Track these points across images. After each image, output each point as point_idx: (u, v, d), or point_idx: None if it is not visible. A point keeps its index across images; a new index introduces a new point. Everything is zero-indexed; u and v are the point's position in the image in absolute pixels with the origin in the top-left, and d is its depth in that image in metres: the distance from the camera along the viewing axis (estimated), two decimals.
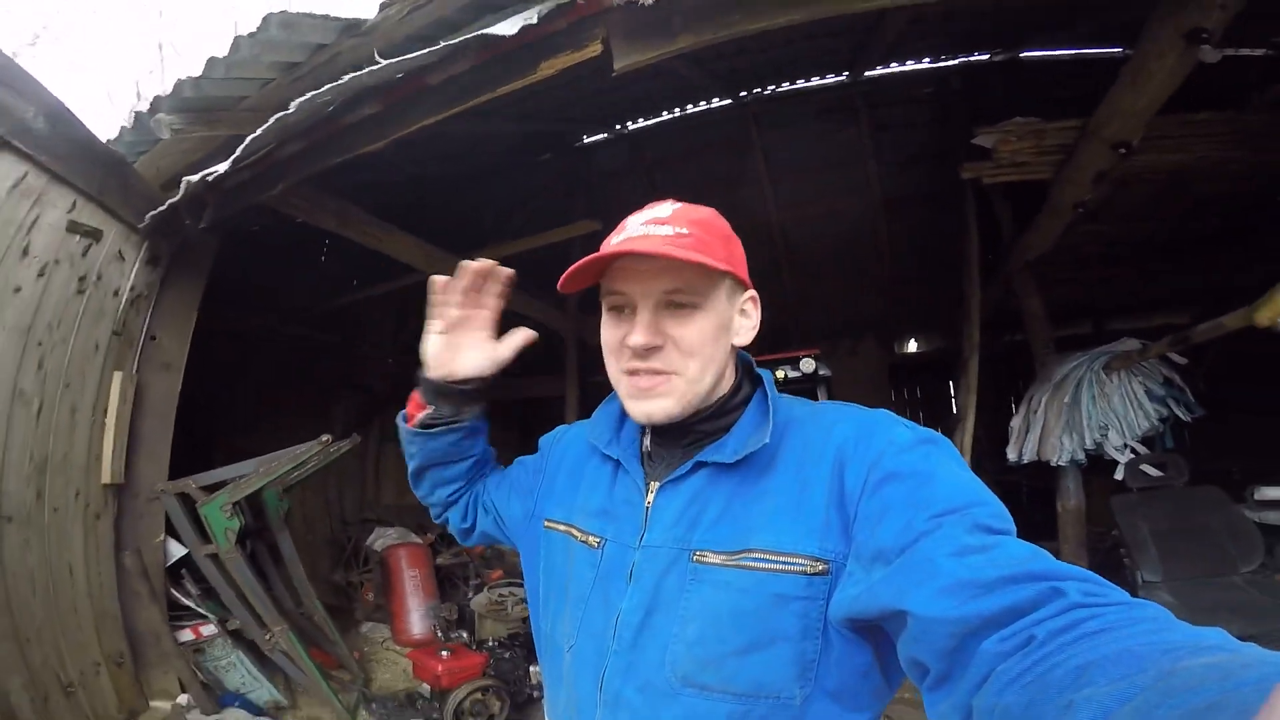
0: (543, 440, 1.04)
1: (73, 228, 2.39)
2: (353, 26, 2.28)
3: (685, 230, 0.73)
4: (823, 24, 3.38)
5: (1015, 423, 3.96)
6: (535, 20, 1.89)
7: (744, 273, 0.79)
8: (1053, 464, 3.70)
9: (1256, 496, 3.21)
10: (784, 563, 0.67)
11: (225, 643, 3.05)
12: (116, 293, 2.69)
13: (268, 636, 3.06)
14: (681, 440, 0.81)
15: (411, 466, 1.03)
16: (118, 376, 2.68)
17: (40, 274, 2.29)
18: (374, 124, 2.62)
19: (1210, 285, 4.68)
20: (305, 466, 3.35)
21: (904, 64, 4.41)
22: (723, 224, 0.80)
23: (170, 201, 2.60)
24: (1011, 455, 3.92)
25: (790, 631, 0.66)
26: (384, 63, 2.12)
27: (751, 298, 0.82)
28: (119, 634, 2.64)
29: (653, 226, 0.74)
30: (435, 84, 2.37)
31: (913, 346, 7.16)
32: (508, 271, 0.93)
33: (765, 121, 5.12)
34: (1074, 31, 3.50)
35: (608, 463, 0.87)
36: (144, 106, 2.54)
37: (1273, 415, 4.20)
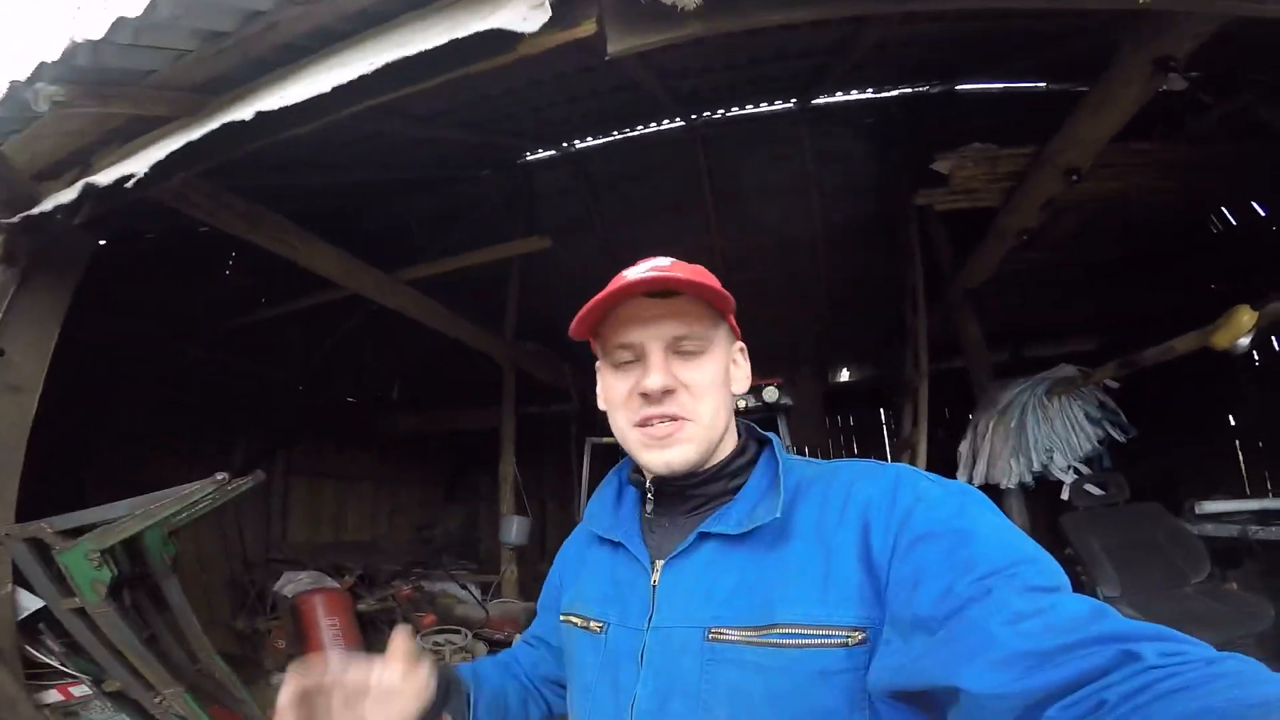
0: (554, 568, 1.00)
1: None
2: None
3: (689, 276, 0.74)
4: (796, 41, 3.44)
5: (963, 448, 4.07)
6: (550, 11, 1.63)
7: (733, 321, 0.81)
8: (1002, 487, 3.79)
9: (1197, 511, 3.41)
10: (821, 636, 0.62)
11: (104, 705, 2.59)
12: None
13: (157, 700, 2.60)
14: (682, 507, 0.79)
15: None
16: None
17: None
18: (305, 105, 2.25)
19: (1116, 312, 5.08)
20: (196, 508, 2.83)
21: (849, 93, 4.55)
22: (715, 277, 0.80)
23: (57, 202, 2.10)
24: (961, 480, 3.99)
25: (836, 707, 0.61)
26: (376, 64, 1.76)
27: (741, 348, 0.84)
28: None
29: (656, 273, 0.74)
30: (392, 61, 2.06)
31: (845, 376, 7.36)
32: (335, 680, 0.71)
33: (714, 145, 5.11)
34: (1021, 64, 3.71)
35: (606, 546, 0.85)
36: (23, 73, 2.04)
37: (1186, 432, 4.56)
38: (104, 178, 2.10)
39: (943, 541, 0.59)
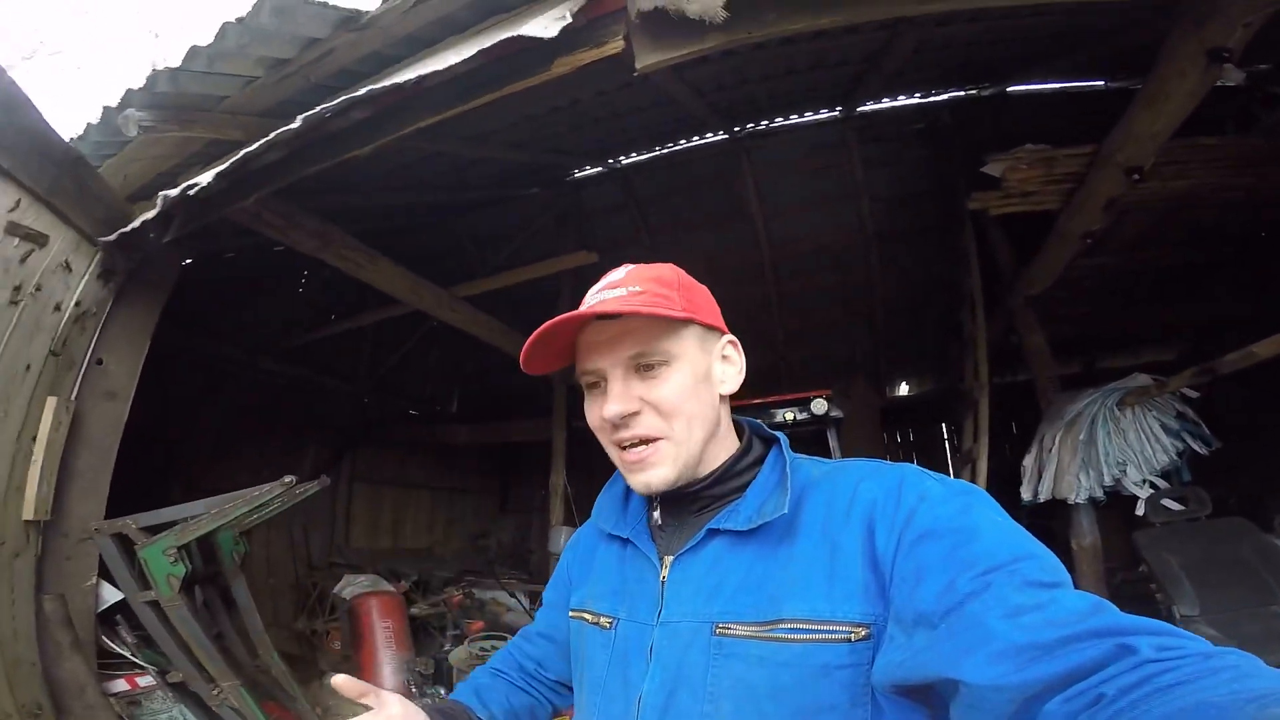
0: (561, 563, 1.00)
1: (12, 229, 2.10)
2: (351, 19, 2.11)
3: (639, 288, 0.74)
4: (830, 50, 3.43)
5: (1027, 462, 3.84)
6: (570, 19, 1.72)
7: (713, 318, 0.78)
8: (1070, 502, 3.56)
9: None
10: (825, 631, 0.63)
11: (165, 696, 2.71)
12: (58, 307, 2.37)
13: (215, 692, 2.72)
14: (691, 508, 0.78)
15: None
16: (51, 402, 2.34)
17: None
18: (364, 126, 2.43)
19: (1194, 319, 4.71)
20: (266, 509, 3.01)
21: (895, 99, 4.46)
22: (680, 275, 0.80)
23: (144, 218, 2.34)
24: (1026, 495, 3.77)
25: (838, 702, 0.62)
26: (411, 76, 1.89)
27: (730, 342, 0.80)
28: (36, 684, 2.29)
29: (607, 292, 0.75)
30: (433, 83, 2.20)
31: (904, 390, 7.10)
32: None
33: (757, 157, 5.11)
34: (1069, 62, 3.55)
35: (615, 542, 0.85)
36: (114, 100, 2.30)
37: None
38: (175, 191, 2.28)
39: (945, 539, 0.59)
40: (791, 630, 0.64)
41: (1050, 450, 3.67)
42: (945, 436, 6.84)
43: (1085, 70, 3.76)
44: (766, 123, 4.80)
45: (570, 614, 0.87)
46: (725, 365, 0.79)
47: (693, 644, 0.69)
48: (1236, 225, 3.47)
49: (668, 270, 0.80)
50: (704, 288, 0.82)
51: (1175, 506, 3.22)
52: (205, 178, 2.22)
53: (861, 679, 0.61)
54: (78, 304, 2.44)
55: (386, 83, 1.86)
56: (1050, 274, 3.65)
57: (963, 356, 4.42)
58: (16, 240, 2.11)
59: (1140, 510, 3.29)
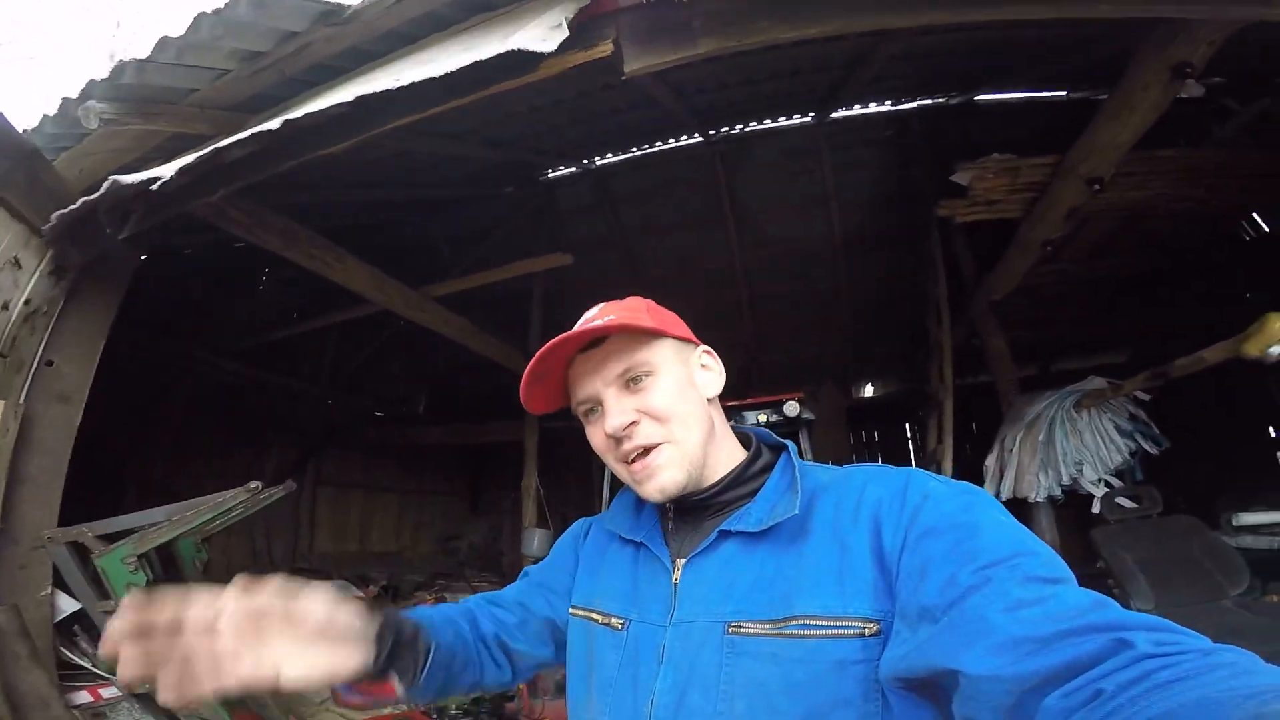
0: (568, 535, 1.01)
1: None
2: (332, 13, 2.04)
3: (612, 316, 0.79)
4: (813, 55, 3.48)
5: (989, 462, 3.98)
6: (568, 30, 1.70)
7: (683, 332, 0.84)
8: (1030, 500, 3.70)
9: (1235, 523, 3.30)
10: (838, 627, 0.64)
11: (132, 707, 2.62)
12: (5, 306, 2.24)
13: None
14: (704, 514, 0.80)
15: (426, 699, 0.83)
16: None
17: None
18: (339, 122, 2.34)
19: (1158, 321, 4.95)
20: (229, 515, 2.92)
21: (867, 105, 4.57)
22: (648, 302, 0.85)
23: (85, 200, 2.20)
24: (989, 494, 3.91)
25: (852, 696, 0.62)
26: (404, 82, 1.83)
27: (706, 351, 0.86)
28: None
29: (584, 326, 0.79)
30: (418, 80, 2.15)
31: (869, 391, 7.27)
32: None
33: (731, 160, 5.16)
34: (1035, 73, 3.69)
35: (628, 546, 0.86)
36: (74, 91, 2.17)
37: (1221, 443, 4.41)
38: (130, 178, 2.15)
39: (949, 535, 0.61)
40: (804, 626, 0.65)
41: (1011, 451, 3.81)
42: (910, 436, 7.04)
43: (1050, 81, 3.91)
44: (742, 126, 4.86)
45: (573, 610, 0.88)
46: (704, 372, 0.84)
47: (705, 644, 0.70)
48: (1192, 236, 3.66)
49: (635, 299, 0.86)
50: (672, 312, 0.87)
51: (1129, 504, 3.38)
52: (168, 170, 2.09)
53: (873, 674, 0.62)
54: (27, 302, 2.31)
55: (378, 88, 1.80)
56: (1011, 280, 3.79)
57: (928, 360, 4.56)
58: None
59: (1096, 508, 3.44)
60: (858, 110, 4.60)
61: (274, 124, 1.88)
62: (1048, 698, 0.45)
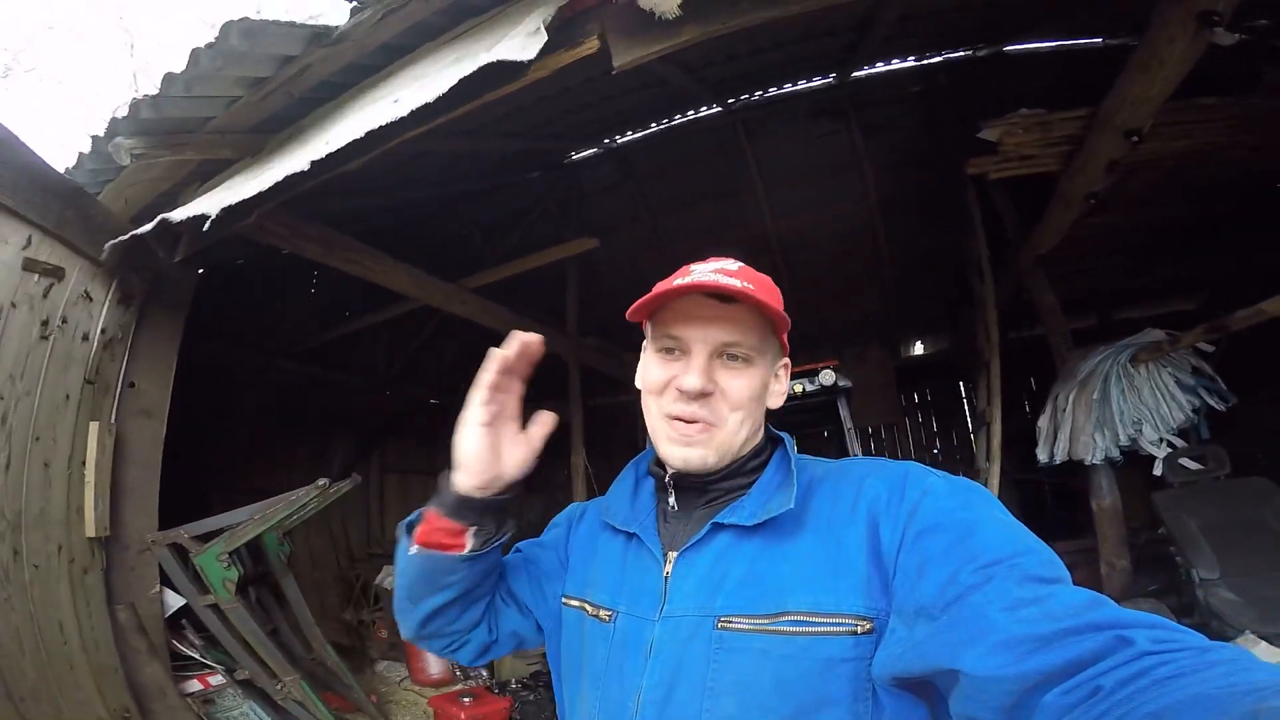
0: (562, 517, 0.99)
1: (30, 266, 2.19)
2: (322, 35, 2.12)
3: (751, 285, 0.73)
4: (816, 22, 3.33)
5: (1042, 422, 3.81)
6: (546, 35, 1.71)
7: (785, 336, 0.81)
8: (1086, 463, 3.53)
9: None
10: (829, 624, 0.64)
11: (236, 693, 2.93)
12: (86, 337, 2.49)
13: (279, 686, 2.94)
14: (699, 500, 0.79)
15: (438, 602, 0.84)
16: (94, 427, 2.48)
17: None
18: (351, 148, 2.45)
19: (1215, 269, 4.56)
20: (304, 510, 3.18)
21: (890, 63, 4.33)
22: (779, 291, 0.81)
23: (134, 233, 2.40)
24: (1042, 456, 3.76)
25: (841, 695, 0.62)
26: (402, 113, 1.89)
27: (785, 364, 0.83)
28: (122, 689, 2.48)
29: (723, 276, 0.74)
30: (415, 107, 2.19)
31: (919, 349, 7.02)
32: (538, 340, 0.79)
33: (754, 128, 5.02)
34: (1068, 22, 3.41)
35: (619, 536, 0.85)
36: (101, 129, 2.35)
37: None
38: (178, 214, 2.34)
39: (948, 533, 0.60)
40: (795, 623, 0.65)
41: (1064, 410, 3.63)
42: (964, 395, 6.77)
43: (1084, 29, 3.60)
44: (761, 93, 4.70)
45: (566, 600, 0.87)
46: (776, 383, 0.82)
47: (694, 638, 0.69)
48: (1247, 181, 3.33)
49: (771, 281, 0.81)
50: None
51: (1193, 466, 3.19)
52: (214, 208, 2.24)
53: (864, 673, 0.62)
54: (103, 331, 2.55)
55: (382, 120, 1.86)
56: (1056, 234, 3.56)
57: (973, 318, 4.36)
58: (36, 276, 2.22)
59: (1158, 470, 3.26)
60: (881, 68, 4.36)
61: (303, 165, 1.97)
62: (1046, 695, 0.45)
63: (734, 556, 0.72)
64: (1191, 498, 3.06)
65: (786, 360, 0.83)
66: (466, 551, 0.80)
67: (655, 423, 0.79)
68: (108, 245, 2.44)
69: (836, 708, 0.62)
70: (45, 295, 2.26)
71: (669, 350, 0.78)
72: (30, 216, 2.19)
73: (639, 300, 0.75)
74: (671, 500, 0.81)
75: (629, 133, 5.09)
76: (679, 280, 0.75)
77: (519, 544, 0.98)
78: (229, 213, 2.33)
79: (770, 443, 0.83)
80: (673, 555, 0.76)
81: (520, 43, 1.68)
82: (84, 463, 2.48)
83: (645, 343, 0.84)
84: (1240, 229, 3.98)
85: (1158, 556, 3.14)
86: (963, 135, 3.85)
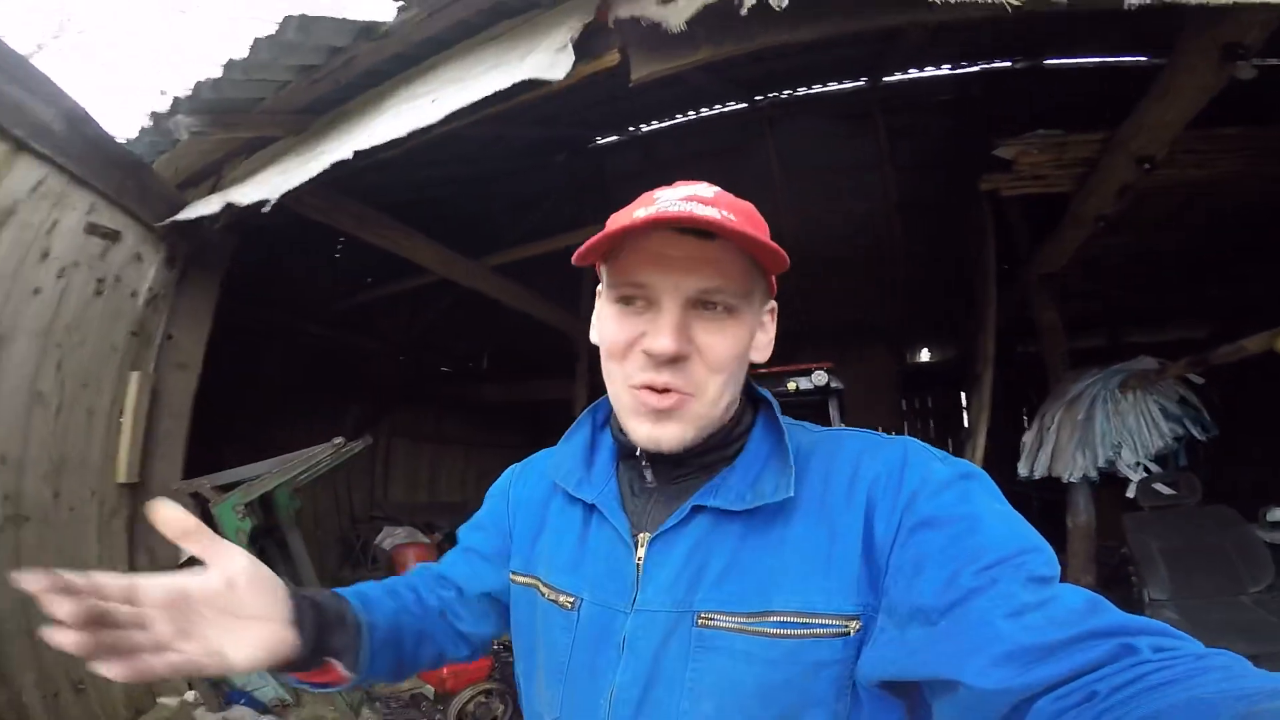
0: (498, 486, 0.87)
1: (91, 229, 2.40)
2: (369, 30, 2.28)
3: (733, 216, 0.59)
4: (840, 34, 3.38)
5: (1027, 438, 3.94)
6: (574, 55, 1.85)
7: (775, 276, 0.68)
8: (1064, 480, 3.67)
9: (1269, 518, 3.18)
10: (818, 626, 0.58)
11: None
12: (134, 294, 2.70)
13: None
14: (673, 473, 0.69)
15: (383, 672, 0.73)
16: (134, 377, 2.69)
17: (59, 276, 2.31)
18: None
19: (1228, 298, 4.61)
20: (318, 467, 3.38)
21: (924, 70, 4.37)
22: (763, 220, 0.66)
23: (200, 214, 2.61)
24: (1023, 470, 3.89)
25: (825, 696, 0.58)
26: (440, 113, 2.05)
27: (771, 309, 0.71)
28: None
29: (697, 205, 0.59)
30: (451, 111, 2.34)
31: (924, 356, 7.11)
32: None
33: (779, 125, 5.09)
34: (1104, 39, 3.44)
35: (575, 505, 0.74)
36: (163, 106, 2.54)
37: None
38: (242, 198, 2.57)
39: (946, 528, 0.56)
40: (780, 625, 0.59)
41: (1050, 428, 3.76)
42: (965, 406, 6.87)
43: (1123, 46, 3.62)
44: (789, 92, 4.76)
45: (513, 577, 0.77)
46: (762, 333, 0.69)
47: (673, 635, 0.63)
48: (1265, 211, 3.38)
49: (753, 208, 0.66)
50: None
51: (1166, 491, 3.30)
52: (274, 193, 2.44)
53: (848, 673, 0.59)
54: (150, 289, 2.77)
55: (422, 122, 2.05)
56: (1064, 254, 3.65)
57: (975, 330, 4.46)
58: (96, 238, 2.42)
59: (1131, 492, 3.38)
60: (914, 74, 4.41)
61: (347, 154, 2.16)
62: (1041, 700, 0.44)
63: (715, 543, 0.64)
64: (1158, 521, 3.19)
65: (773, 305, 0.71)
66: (351, 676, 0.67)
67: (620, 393, 0.66)
68: (169, 221, 2.65)
69: (819, 709, 0.58)
70: (103, 256, 2.48)
71: (629, 300, 0.64)
72: (95, 184, 2.39)
73: (591, 240, 0.60)
74: (649, 475, 0.69)
75: (654, 122, 5.19)
76: (641, 211, 0.60)
77: (459, 530, 0.88)
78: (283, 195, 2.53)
79: (752, 404, 0.72)
80: (645, 538, 0.67)
81: (549, 59, 1.82)
82: (122, 411, 2.67)
83: (600, 289, 0.69)
84: (1257, 259, 4.02)
85: (1115, 577, 3.28)
86: (989, 146, 3.91)
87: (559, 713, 0.68)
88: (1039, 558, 0.52)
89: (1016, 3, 1.43)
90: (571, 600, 0.69)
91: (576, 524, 0.73)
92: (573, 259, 0.64)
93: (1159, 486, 3.31)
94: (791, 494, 0.62)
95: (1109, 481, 3.67)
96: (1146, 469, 3.41)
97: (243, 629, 0.57)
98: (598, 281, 0.70)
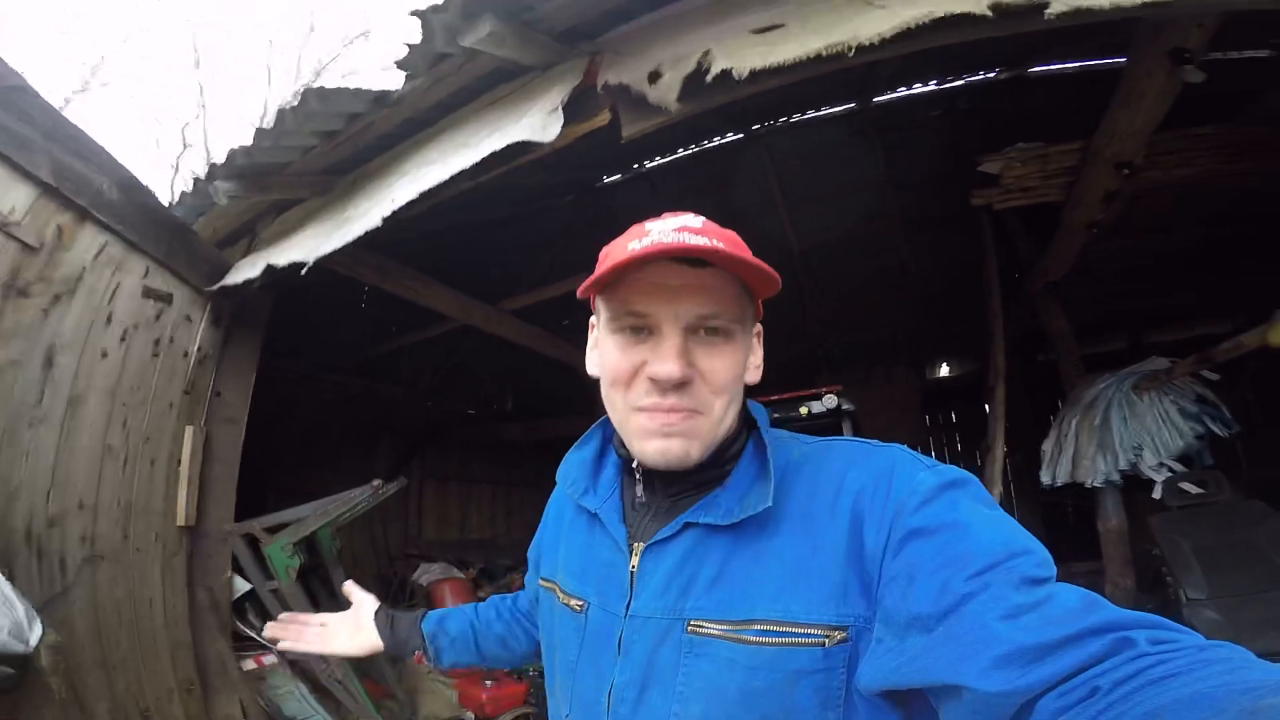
0: (552, 495, 0.98)
1: (147, 293, 2.64)
2: (382, 98, 2.52)
3: (723, 245, 0.63)
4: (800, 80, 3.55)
5: (1046, 446, 3.92)
6: (563, 117, 2.03)
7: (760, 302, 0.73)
8: (1087, 485, 3.63)
9: None
10: (799, 634, 0.60)
11: (285, 672, 3.24)
12: (186, 354, 2.93)
13: (325, 667, 3.26)
14: (668, 490, 0.73)
15: (470, 660, 1.11)
16: (189, 431, 2.90)
17: (122, 339, 2.53)
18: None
19: (1245, 292, 4.53)
20: (357, 508, 3.54)
21: (911, 88, 4.51)
22: (746, 247, 0.71)
23: (245, 278, 2.85)
24: (1045, 479, 3.86)
25: (808, 705, 0.60)
26: (447, 173, 2.27)
27: (759, 332, 0.76)
28: (190, 663, 2.82)
29: (688, 235, 0.64)
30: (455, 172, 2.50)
31: (945, 371, 7.07)
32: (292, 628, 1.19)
33: (778, 151, 5.25)
34: (1079, 47, 3.54)
35: (583, 514, 0.80)
36: (189, 158, 2.86)
37: None
38: (281, 259, 2.79)
39: (936, 537, 0.57)
40: (763, 633, 0.62)
41: (1068, 434, 3.74)
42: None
43: (1102, 51, 3.70)
44: (785, 120, 4.95)
45: (542, 581, 0.85)
46: (751, 355, 0.74)
47: (664, 641, 0.66)
48: (1258, 203, 3.39)
49: (735, 235, 0.70)
50: None
51: (1194, 490, 3.25)
52: (311, 256, 2.66)
53: (835, 683, 0.60)
54: (199, 348, 3.00)
55: (433, 182, 2.27)
56: (1065, 262, 3.69)
57: (989, 343, 4.47)
58: (151, 301, 2.67)
59: (1157, 494, 3.34)
60: (902, 92, 4.56)
61: (375, 222, 2.39)
62: (1044, 698, 0.44)
63: (704, 554, 0.67)
64: (1188, 520, 3.13)
65: (759, 327, 0.76)
66: (431, 663, 1.09)
67: (626, 418, 0.70)
68: (219, 286, 2.91)
69: (803, 716, 0.60)
70: (157, 318, 2.71)
71: (634, 330, 0.68)
72: (148, 249, 2.63)
73: (593, 277, 0.65)
74: (639, 491, 0.74)
75: (657, 158, 5.41)
76: (636, 244, 0.64)
77: (527, 584, 1.04)
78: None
79: (745, 425, 0.76)
80: (639, 547, 0.71)
81: (541, 121, 2.01)
82: (179, 461, 2.90)
83: (594, 321, 0.76)
84: (1260, 253, 3.99)
85: (1152, 579, 3.22)
86: (976, 161, 4.00)
87: (569, 708, 0.75)
88: (1030, 560, 0.53)
89: (941, 14, 1.55)
90: (581, 604, 0.75)
91: (584, 533, 0.79)
92: (577, 293, 0.71)
93: (1186, 486, 3.25)
94: (769, 504, 0.64)
95: (1136, 484, 3.63)
96: (1170, 469, 3.36)
97: (355, 635, 1.13)
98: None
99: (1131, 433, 3.44)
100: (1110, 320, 5.34)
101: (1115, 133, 2.60)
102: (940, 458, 6.70)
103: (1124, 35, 2.89)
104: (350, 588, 1.20)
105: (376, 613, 1.13)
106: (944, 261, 5.77)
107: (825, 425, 3.86)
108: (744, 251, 0.67)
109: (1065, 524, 5.41)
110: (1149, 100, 2.36)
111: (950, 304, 6.16)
